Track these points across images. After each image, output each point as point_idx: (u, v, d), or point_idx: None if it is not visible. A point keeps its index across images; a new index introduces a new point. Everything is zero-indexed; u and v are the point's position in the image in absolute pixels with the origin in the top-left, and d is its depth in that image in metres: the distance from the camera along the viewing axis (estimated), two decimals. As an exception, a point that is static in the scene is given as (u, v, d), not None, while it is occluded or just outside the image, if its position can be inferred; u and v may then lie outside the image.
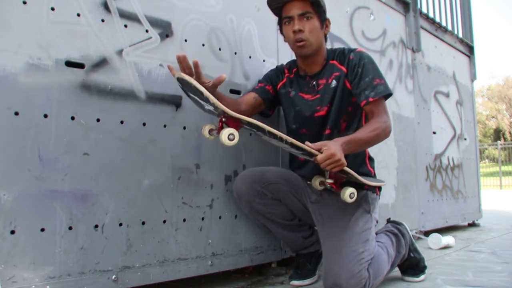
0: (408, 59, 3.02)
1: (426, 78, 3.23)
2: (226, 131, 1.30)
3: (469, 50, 4.01)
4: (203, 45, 1.68)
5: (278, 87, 1.74)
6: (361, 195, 1.61)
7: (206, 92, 1.25)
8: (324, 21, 1.62)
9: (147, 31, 1.50)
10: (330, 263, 1.49)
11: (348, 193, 1.47)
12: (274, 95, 1.75)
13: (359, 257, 1.47)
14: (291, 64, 1.77)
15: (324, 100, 1.63)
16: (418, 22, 3.12)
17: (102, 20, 1.39)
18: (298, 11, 1.55)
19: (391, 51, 2.84)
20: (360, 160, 1.66)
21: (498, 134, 29.71)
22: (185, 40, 1.62)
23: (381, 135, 1.50)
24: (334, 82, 1.62)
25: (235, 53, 1.80)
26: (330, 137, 1.56)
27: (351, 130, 1.62)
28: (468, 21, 4.07)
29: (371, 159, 1.72)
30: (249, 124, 1.33)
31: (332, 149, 1.33)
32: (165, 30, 1.55)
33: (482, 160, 21.03)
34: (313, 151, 1.36)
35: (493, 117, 31.02)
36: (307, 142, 1.37)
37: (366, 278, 1.46)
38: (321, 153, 1.34)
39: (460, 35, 3.87)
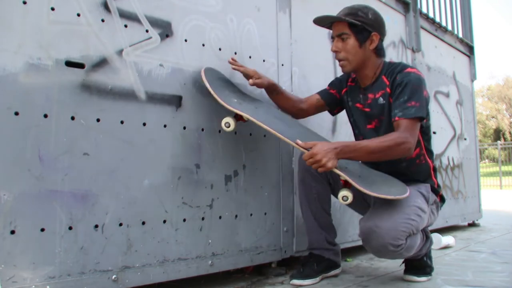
0: (408, 59, 3.02)
1: (426, 78, 3.22)
2: (225, 120, 1.57)
3: (469, 50, 4.01)
4: (203, 45, 1.68)
5: (342, 93, 1.86)
6: (425, 189, 1.67)
7: (211, 92, 1.54)
8: (365, 39, 1.65)
9: (147, 31, 1.50)
10: (379, 210, 1.53)
11: (341, 195, 1.49)
12: (339, 98, 1.87)
13: (408, 221, 1.50)
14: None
15: (372, 115, 1.72)
16: (418, 22, 3.12)
17: (102, 20, 1.39)
18: (336, 32, 1.68)
19: (391, 51, 2.84)
20: (425, 173, 1.73)
21: (498, 134, 29.71)
22: (185, 40, 1.62)
23: (394, 148, 1.50)
24: (381, 99, 1.67)
25: (235, 53, 1.80)
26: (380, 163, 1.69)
27: None
28: (468, 21, 4.07)
29: (435, 170, 1.78)
30: (249, 118, 1.55)
31: (315, 149, 1.44)
32: (165, 30, 1.55)
33: (482, 160, 21.03)
34: (301, 148, 1.49)
35: (493, 117, 31.02)
36: (297, 140, 1.49)
37: (403, 242, 1.49)
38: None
39: (460, 35, 3.87)
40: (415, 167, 1.71)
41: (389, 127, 1.64)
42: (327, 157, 1.42)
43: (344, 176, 1.46)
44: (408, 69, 1.63)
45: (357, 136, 1.82)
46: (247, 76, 1.70)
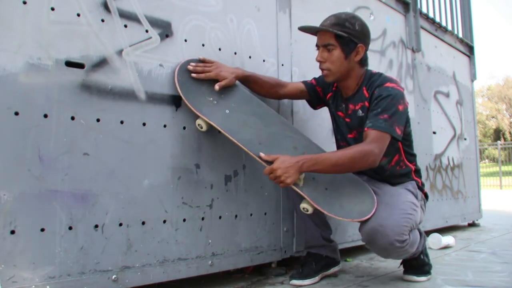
0: (408, 59, 3.02)
1: (426, 78, 3.23)
2: (197, 121, 1.57)
3: (469, 50, 4.01)
4: (203, 45, 1.68)
5: (328, 97, 1.85)
6: (412, 186, 1.74)
7: (181, 95, 1.54)
8: (351, 50, 1.63)
9: (147, 31, 1.50)
10: (379, 210, 1.53)
11: (302, 207, 1.53)
12: (322, 97, 1.86)
13: (407, 216, 1.54)
14: None
15: (352, 125, 1.73)
16: (418, 22, 3.12)
17: (102, 20, 1.39)
18: (322, 42, 1.65)
19: (391, 51, 2.84)
20: (408, 176, 1.76)
21: (498, 134, 29.71)
22: (185, 40, 1.62)
23: (357, 160, 1.48)
24: (360, 112, 1.68)
25: (235, 53, 1.80)
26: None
27: (387, 156, 1.66)
28: (468, 21, 4.07)
29: (417, 171, 1.80)
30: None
31: (276, 164, 1.45)
32: (165, 30, 1.55)
33: (482, 160, 21.03)
34: (262, 162, 1.51)
35: (493, 117, 31.01)
36: (261, 153, 1.51)
37: (407, 238, 1.52)
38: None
39: (460, 35, 3.87)
40: (397, 173, 1.74)
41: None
42: (288, 173, 1.44)
43: (300, 193, 1.50)
44: (387, 84, 1.62)
45: (338, 142, 1.84)
46: (208, 79, 1.62)
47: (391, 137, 1.56)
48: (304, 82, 1.88)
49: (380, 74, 1.70)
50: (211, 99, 1.60)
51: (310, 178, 1.54)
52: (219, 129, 1.55)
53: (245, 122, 1.62)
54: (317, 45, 1.68)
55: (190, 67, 1.59)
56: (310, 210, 1.51)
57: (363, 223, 1.55)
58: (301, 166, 1.46)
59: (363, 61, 1.69)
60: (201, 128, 1.56)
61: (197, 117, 1.56)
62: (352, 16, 1.66)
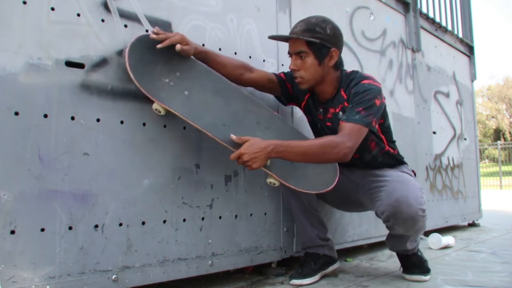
0: (408, 59, 3.02)
1: (426, 78, 3.23)
2: (153, 106, 1.44)
3: (469, 50, 4.01)
4: (203, 45, 1.68)
5: (305, 99, 1.79)
6: (406, 168, 1.80)
7: (133, 80, 1.38)
8: (324, 56, 1.59)
9: (147, 31, 1.50)
10: (395, 186, 1.58)
11: (268, 181, 1.56)
12: (292, 94, 1.81)
13: (420, 190, 1.61)
14: None
15: (334, 129, 1.66)
16: (418, 22, 3.12)
17: (102, 20, 1.39)
18: (294, 50, 1.60)
19: (391, 51, 2.84)
20: (397, 161, 1.81)
21: (498, 134, 29.71)
22: (185, 40, 1.62)
23: (328, 151, 1.47)
24: (341, 114, 1.67)
25: (235, 53, 1.80)
26: (356, 161, 1.71)
27: (377, 145, 1.73)
28: (468, 21, 4.07)
29: (391, 142, 1.82)
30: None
31: (243, 148, 1.43)
32: (165, 30, 1.55)
33: (482, 160, 21.03)
34: (228, 147, 1.49)
35: (493, 117, 31.01)
36: (232, 135, 1.48)
37: (425, 208, 1.56)
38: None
39: (460, 35, 3.87)
40: (389, 159, 1.79)
41: None
42: (255, 159, 1.42)
43: (268, 173, 1.52)
44: (363, 81, 1.61)
45: None
46: (175, 43, 1.44)
47: (367, 129, 1.54)
48: (274, 74, 1.78)
49: (356, 73, 1.68)
50: (167, 80, 1.46)
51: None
52: (180, 115, 1.43)
53: (206, 103, 1.51)
54: (289, 53, 1.64)
55: (153, 36, 1.41)
56: (277, 184, 1.54)
57: (383, 198, 1.57)
58: (270, 152, 1.43)
59: (338, 65, 1.65)
60: (159, 112, 1.44)
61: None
62: (322, 20, 1.60)
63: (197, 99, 1.50)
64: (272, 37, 1.68)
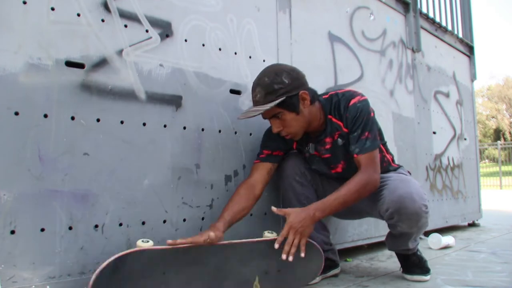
0: (408, 59, 3.02)
1: (426, 78, 3.23)
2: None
3: (469, 50, 4.01)
4: (203, 45, 1.68)
5: (294, 147, 1.76)
6: (402, 171, 1.81)
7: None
8: (297, 105, 1.54)
9: (147, 31, 1.50)
10: (398, 185, 1.59)
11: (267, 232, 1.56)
12: (287, 148, 1.75)
13: (421, 188, 1.62)
14: None
15: (336, 158, 1.69)
16: (418, 22, 3.12)
17: (102, 20, 1.39)
18: (267, 116, 1.58)
19: (391, 51, 2.84)
20: (392, 166, 1.81)
21: (498, 134, 29.71)
22: (185, 40, 1.62)
23: (362, 191, 1.55)
24: (340, 140, 1.66)
25: (235, 53, 1.80)
26: None
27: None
28: (468, 21, 4.07)
29: (393, 160, 1.85)
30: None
31: (290, 222, 1.49)
32: (165, 30, 1.55)
33: (482, 160, 21.03)
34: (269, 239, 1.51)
35: (493, 117, 31.02)
36: (273, 208, 1.54)
37: (428, 205, 1.58)
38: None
39: (460, 35, 3.87)
40: (386, 167, 1.78)
41: (355, 164, 1.62)
42: (305, 226, 1.48)
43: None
44: (352, 101, 1.60)
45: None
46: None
47: (378, 149, 1.62)
48: (263, 160, 1.69)
49: (336, 95, 1.66)
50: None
51: (262, 271, 1.49)
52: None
53: (184, 279, 1.36)
54: (264, 117, 1.59)
55: (169, 241, 1.33)
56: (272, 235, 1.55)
57: (386, 196, 1.58)
58: (313, 216, 1.50)
59: (313, 100, 1.61)
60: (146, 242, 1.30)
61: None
62: (274, 74, 1.53)
63: (176, 284, 1.34)
64: (243, 118, 1.57)
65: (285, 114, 1.55)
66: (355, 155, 1.59)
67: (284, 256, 1.46)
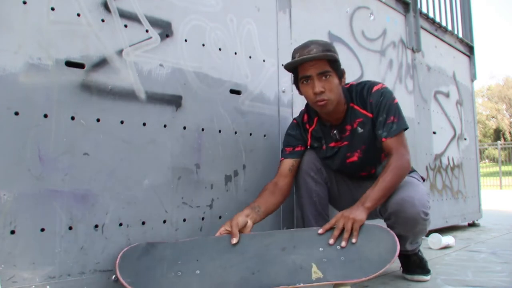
0: (408, 59, 3.02)
1: (426, 78, 3.23)
2: None
3: (469, 50, 4.01)
4: (203, 45, 1.68)
5: (309, 144, 1.77)
6: (415, 175, 1.77)
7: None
8: (341, 75, 1.61)
9: (147, 31, 1.50)
10: (403, 188, 1.57)
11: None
12: (306, 149, 1.77)
13: (427, 194, 1.61)
14: (308, 112, 1.76)
15: (353, 146, 1.69)
16: (418, 22, 3.12)
17: (102, 20, 1.39)
18: (317, 70, 1.53)
19: (391, 51, 2.84)
20: None
21: (498, 134, 29.72)
22: (185, 40, 1.62)
23: (401, 174, 1.56)
24: (359, 129, 1.66)
25: (235, 53, 1.80)
26: (370, 176, 1.73)
27: (386, 155, 1.69)
28: (468, 21, 4.07)
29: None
30: None
31: (346, 215, 1.43)
32: (165, 30, 1.55)
33: (482, 160, 21.04)
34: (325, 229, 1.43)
35: (493, 117, 31.02)
36: (319, 230, 1.43)
37: (429, 212, 1.56)
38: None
39: (460, 35, 3.87)
40: None
41: (372, 153, 1.68)
42: (357, 214, 1.42)
43: (328, 283, 1.31)
44: (374, 88, 1.63)
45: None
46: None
47: (405, 130, 1.62)
48: (287, 156, 1.73)
49: (356, 85, 1.69)
50: (173, 274, 1.33)
51: (317, 259, 1.37)
52: None
53: (222, 268, 1.35)
54: (306, 77, 1.55)
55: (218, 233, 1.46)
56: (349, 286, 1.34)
57: (389, 198, 1.56)
58: (364, 206, 1.46)
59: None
60: None
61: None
62: (327, 42, 1.63)
63: (211, 269, 1.35)
64: (292, 63, 1.55)
65: (332, 77, 1.55)
66: (383, 139, 1.59)
67: (331, 241, 1.37)
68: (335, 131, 1.70)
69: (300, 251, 1.39)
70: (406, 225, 1.56)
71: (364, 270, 1.32)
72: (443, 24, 3.60)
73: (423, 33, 3.20)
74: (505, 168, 15.84)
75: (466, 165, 3.69)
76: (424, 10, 3.35)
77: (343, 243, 1.37)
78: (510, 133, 29.75)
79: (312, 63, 1.53)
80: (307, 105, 1.76)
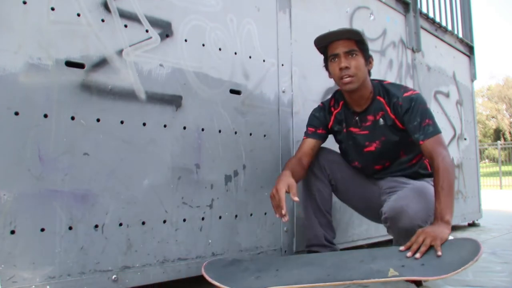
0: (408, 59, 3.02)
1: (426, 78, 3.23)
2: None
3: (469, 50, 4.01)
4: (203, 45, 1.68)
5: (330, 126, 1.81)
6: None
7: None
8: (368, 58, 1.68)
9: (147, 31, 1.50)
10: (408, 194, 1.56)
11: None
12: (327, 132, 1.84)
13: (428, 214, 1.52)
14: (336, 96, 1.81)
15: (373, 136, 1.72)
16: (418, 22, 3.12)
17: (102, 20, 1.39)
18: (344, 49, 1.62)
19: (391, 51, 2.84)
20: (427, 176, 1.77)
21: (498, 134, 29.71)
22: (185, 40, 1.62)
23: (452, 173, 1.55)
24: (381, 120, 1.69)
25: (235, 53, 1.80)
26: (384, 170, 1.76)
27: (408, 154, 1.74)
28: (468, 21, 4.07)
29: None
30: None
31: (426, 231, 1.38)
32: (165, 30, 1.55)
33: (482, 160, 21.03)
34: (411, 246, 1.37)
35: (493, 117, 31.01)
36: (401, 247, 1.38)
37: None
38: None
39: (460, 35, 3.87)
40: (419, 172, 1.78)
41: (391, 147, 1.70)
42: (437, 231, 1.37)
43: (412, 278, 1.33)
44: (406, 94, 1.65)
45: (350, 163, 1.82)
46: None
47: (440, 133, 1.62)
48: (309, 136, 1.80)
49: (396, 86, 1.72)
50: (253, 277, 1.42)
51: (399, 265, 1.35)
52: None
53: (298, 270, 1.43)
54: (333, 55, 1.64)
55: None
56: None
57: (391, 200, 1.56)
58: (443, 219, 1.41)
59: (369, 73, 1.72)
60: None
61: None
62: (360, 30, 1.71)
63: (289, 274, 1.41)
64: (332, 33, 1.64)
65: (358, 56, 1.63)
66: (420, 142, 1.59)
67: (409, 254, 1.35)
68: (357, 118, 1.74)
69: (379, 262, 1.38)
70: (400, 234, 1.55)
71: (444, 269, 1.29)
72: (443, 24, 3.60)
73: (423, 33, 3.20)
74: (505, 168, 15.83)
75: (466, 165, 3.69)
76: (424, 10, 3.35)
77: (418, 255, 1.34)
78: (510, 133, 29.74)
79: (341, 42, 1.63)
80: (335, 92, 1.83)
